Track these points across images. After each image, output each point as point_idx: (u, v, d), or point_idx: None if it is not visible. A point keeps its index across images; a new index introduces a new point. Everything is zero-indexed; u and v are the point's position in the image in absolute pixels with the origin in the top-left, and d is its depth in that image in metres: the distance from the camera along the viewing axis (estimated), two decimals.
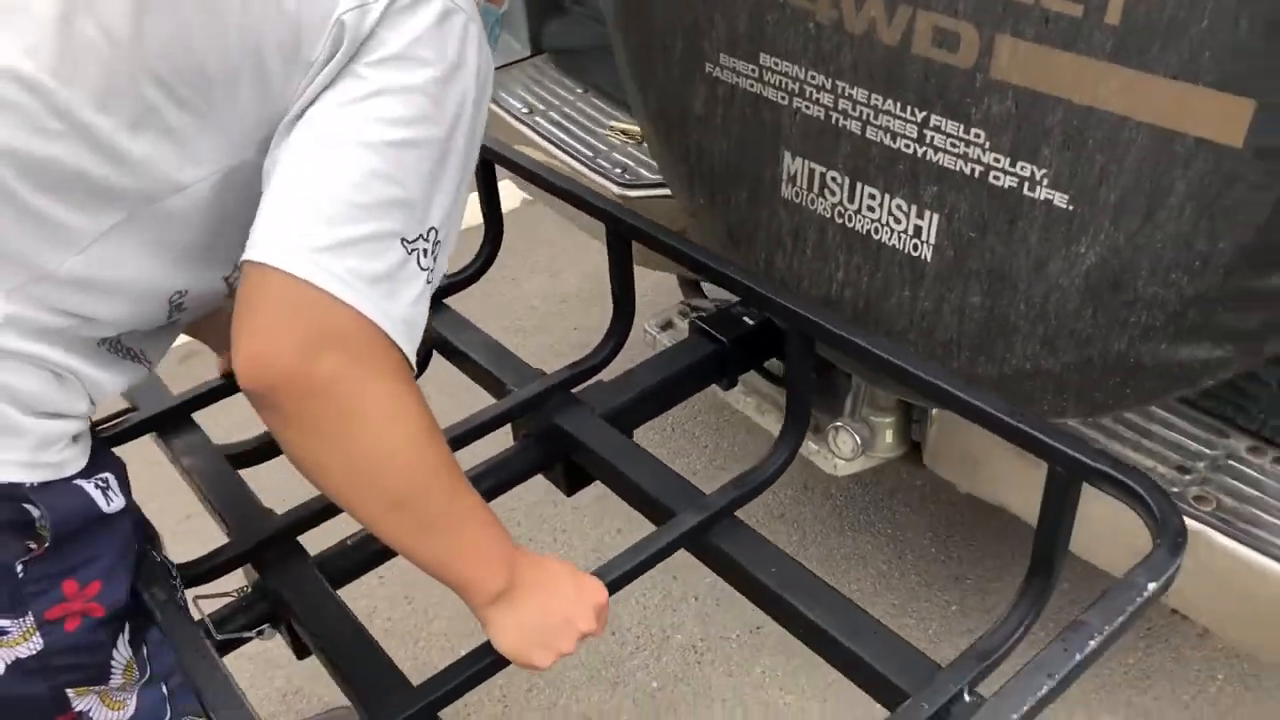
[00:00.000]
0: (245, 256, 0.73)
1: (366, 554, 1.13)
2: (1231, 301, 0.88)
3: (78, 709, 0.81)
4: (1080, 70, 0.86)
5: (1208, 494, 1.14)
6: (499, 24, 1.02)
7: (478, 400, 1.31)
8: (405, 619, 1.82)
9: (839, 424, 1.42)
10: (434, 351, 1.43)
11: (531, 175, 1.32)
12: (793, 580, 1.02)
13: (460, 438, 1.22)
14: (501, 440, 1.27)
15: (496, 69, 1.25)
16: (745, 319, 1.44)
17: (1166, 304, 0.90)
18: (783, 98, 1.13)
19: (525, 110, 1.85)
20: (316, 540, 1.11)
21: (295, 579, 1.06)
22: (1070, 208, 0.93)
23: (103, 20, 0.71)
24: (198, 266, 0.83)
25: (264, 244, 0.72)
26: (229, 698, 0.81)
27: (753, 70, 1.15)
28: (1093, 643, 0.72)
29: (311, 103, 0.76)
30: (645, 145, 1.53)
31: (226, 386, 1.28)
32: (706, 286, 1.76)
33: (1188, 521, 0.82)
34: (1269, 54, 0.77)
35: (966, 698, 0.84)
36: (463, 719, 1.65)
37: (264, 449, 1.29)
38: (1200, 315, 0.89)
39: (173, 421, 1.25)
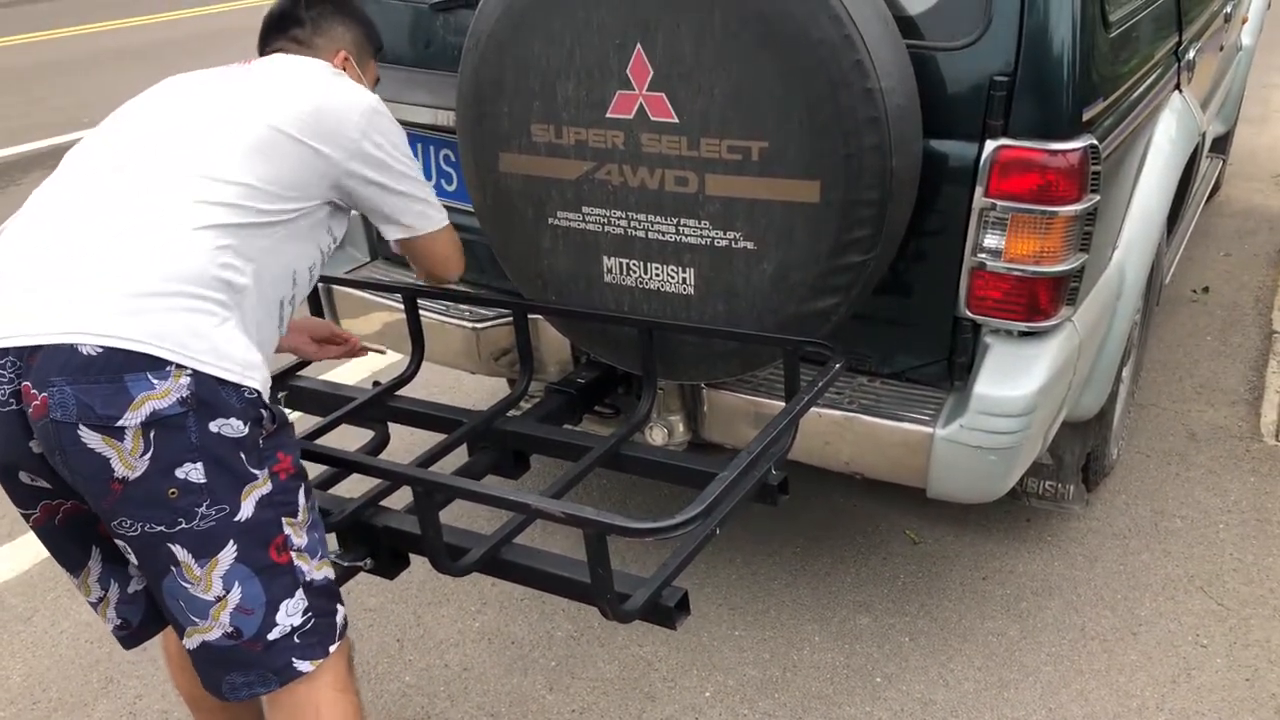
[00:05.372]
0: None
1: None
2: (832, 274, 1.92)
3: (286, 532, 1.50)
4: (747, 183, 1.91)
5: (854, 399, 2.18)
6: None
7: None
8: None
9: (651, 423, 2.33)
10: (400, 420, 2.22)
11: (456, 295, 2.20)
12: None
13: (437, 454, 2.02)
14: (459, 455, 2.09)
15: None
16: (579, 379, 2.36)
17: (805, 281, 1.94)
18: (599, 227, 2.10)
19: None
20: None
21: None
22: (756, 248, 1.95)
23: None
24: None
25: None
26: None
27: (578, 217, 2.11)
28: (807, 396, 1.66)
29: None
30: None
31: None
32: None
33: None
34: (815, 164, 1.85)
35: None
36: None
37: None
38: (821, 283, 1.93)
39: None
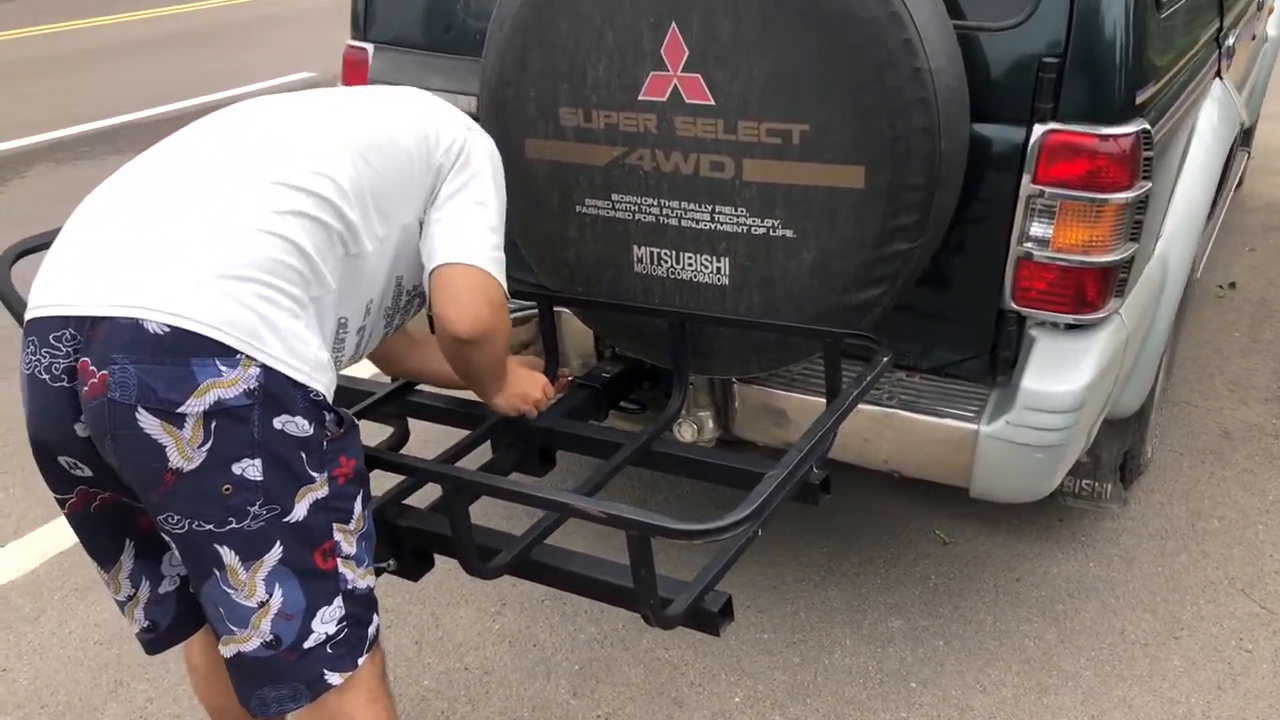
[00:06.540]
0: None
1: None
2: (876, 262, 1.84)
3: (336, 538, 1.43)
4: (786, 168, 1.82)
5: (894, 394, 2.09)
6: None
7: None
8: None
9: (680, 420, 2.25)
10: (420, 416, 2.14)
11: None
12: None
13: (461, 450, 1.94)
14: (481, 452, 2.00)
15: None
16: (604, 374, 2.28)
17: (848, 271, 1.86)
18: (628, 215, 2.01)
19: None
20: None
21: None
22: (795, 236, 1.87)
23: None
24: None
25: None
26: None
27: (607, 204, 2.03)
28: (855, 391, 1.58)
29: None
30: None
31: None
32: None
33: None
34: (859, 147, 1.76)
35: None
36: None
37: None
38: (864, 273, 1.85)
39: None
